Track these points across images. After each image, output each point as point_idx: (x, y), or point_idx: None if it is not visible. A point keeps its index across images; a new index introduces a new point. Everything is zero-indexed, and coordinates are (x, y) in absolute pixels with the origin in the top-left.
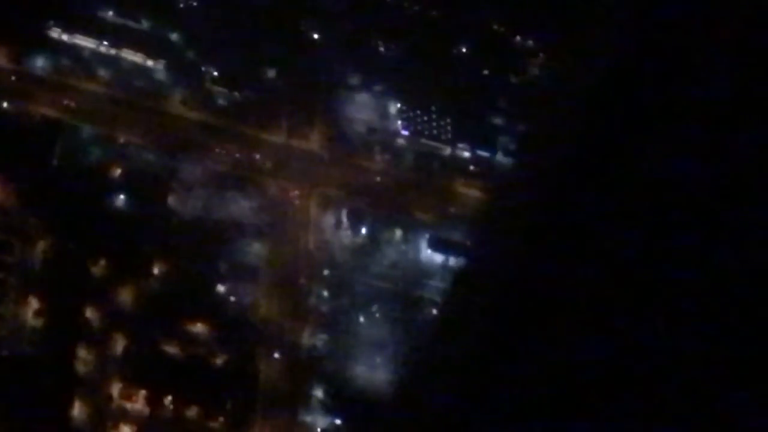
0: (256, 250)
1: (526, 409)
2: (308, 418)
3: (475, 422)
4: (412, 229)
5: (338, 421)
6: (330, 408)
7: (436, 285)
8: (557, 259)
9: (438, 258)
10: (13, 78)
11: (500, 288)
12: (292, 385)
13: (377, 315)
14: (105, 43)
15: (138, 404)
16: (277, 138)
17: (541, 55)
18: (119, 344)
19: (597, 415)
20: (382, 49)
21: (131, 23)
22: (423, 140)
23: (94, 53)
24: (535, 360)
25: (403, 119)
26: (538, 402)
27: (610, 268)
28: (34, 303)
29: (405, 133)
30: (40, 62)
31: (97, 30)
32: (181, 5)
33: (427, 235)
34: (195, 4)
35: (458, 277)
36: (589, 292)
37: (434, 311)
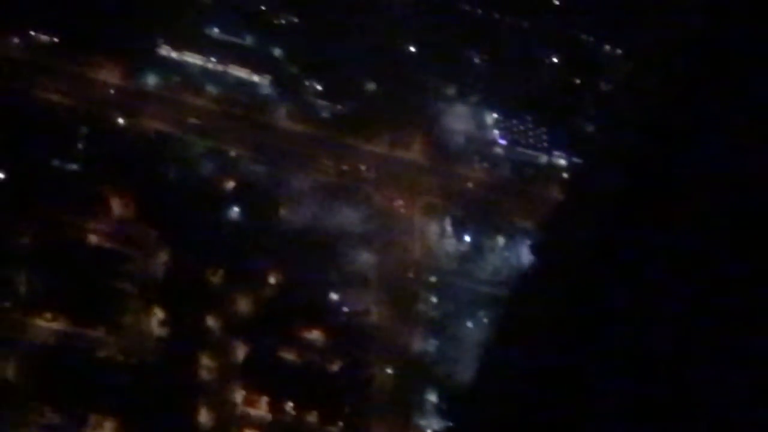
0: (364, 258)
1: (620, 410)
2: (422, 422)
3: (578, 422)
4: (513, 235)
5: (451, 425)
6: (443, 412)
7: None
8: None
9: (540, 263)
10: (126, 94)
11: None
12: (405, 390)
13: (484, 320)
14: (212, 59)
15: (260, 410)
16: (380, 149)
17: (628, 62)
18: (240, 352)
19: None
20: (476, 60)
21: (236, 39)
22: (520, 149)
23: (202, 69)
24: (626, 357)
25: (499, 128)
26: (629, 402)
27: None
28: (158, 313)
29: (502, 142)
30: (151, 79)
31: (204, 47)
32: (283, 21)
33: (528, 242)
34: (296, 20)
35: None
36: (665, 292)
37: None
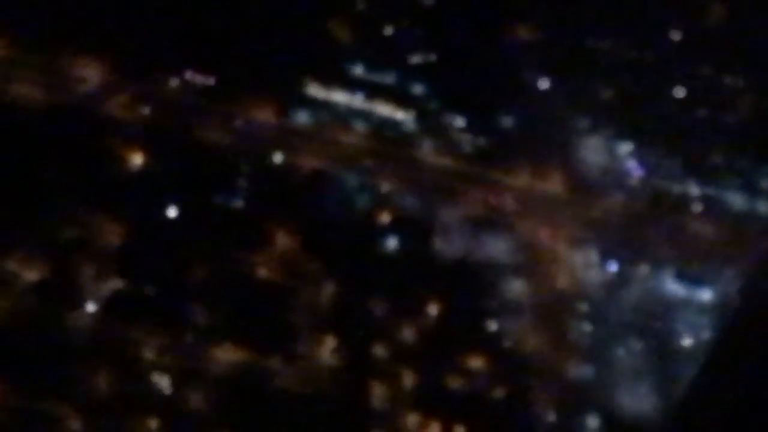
0: (516, 288)
1: None
2: None
3: None
4: (656, 264)
5: None
6: None
7: (686, 317)
8: None
9: (684, 292)
10: (280, 132)
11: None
12: (566, 415)
13: (635, 347)
14: (358, 97)
15: None
16: (521, 181)
17: (750, 94)
18: (409, 379)
19: None
20: (606, 94)
21: (378, 77)
22: (655, 179)
23: (349, 107)
24: None
25: (634, 160)
26: None
27: None
28: (329, 342)
29: (638, 172)
30: (301, 117)
31: (349, 85)
32: (421, 59)
33: (671, 270)
34: (433, 58)
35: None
36: None
37: (687, 343)
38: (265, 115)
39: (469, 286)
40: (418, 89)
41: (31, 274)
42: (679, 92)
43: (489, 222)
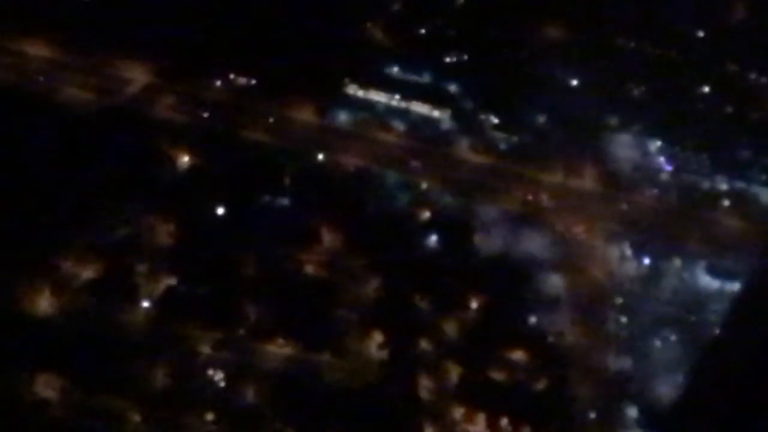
0: (555, 282)
1: None
2: None
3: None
4: (688, 258)
5: None
6: (644, 425)
7: (717, 309)
8: None
9: (715, 284)
10: (321, 132)
11: None
12: (606, 405)
13: (671, 339)
14: (395, 97)
15: (479, 426)
16: (555, 178)
17: None
18: (454, 372)
19: None
20: (635, 92)
21: (414, 77)
22: (684, 175)
23: (387, 106)
24: None
25: (664, 156)
26: None
27: None
28: (376, 337)
29: (668, 168)
30: (341, 117)
31: (387, 85)
32: (455, 59)
33: (703, 264)
34: (466, 57)
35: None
36: None
37: (718, 333)
38: (305, 115)
39: (509, 280)
40: (452, 88)
41: (87, 273)
42: (706, 89)
43: (526, 218)
